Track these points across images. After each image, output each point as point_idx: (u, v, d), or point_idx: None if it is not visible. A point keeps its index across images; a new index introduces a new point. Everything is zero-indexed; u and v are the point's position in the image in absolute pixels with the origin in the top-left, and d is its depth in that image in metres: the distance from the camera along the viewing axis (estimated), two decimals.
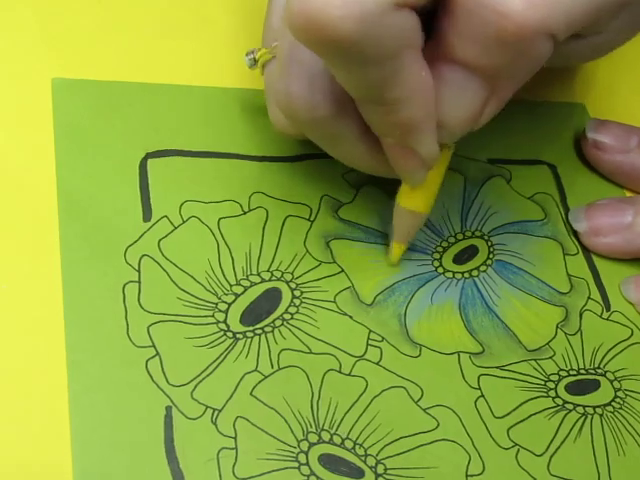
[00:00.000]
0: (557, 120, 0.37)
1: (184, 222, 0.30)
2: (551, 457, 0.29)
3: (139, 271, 0.29)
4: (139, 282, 0.28)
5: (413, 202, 0.30)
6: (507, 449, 0.28)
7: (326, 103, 0.27)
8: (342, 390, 0.28)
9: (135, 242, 0.29)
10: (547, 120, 0.37)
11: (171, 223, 0.30)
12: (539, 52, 0.26)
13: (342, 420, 0.28)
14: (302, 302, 0.30)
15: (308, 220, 0.32)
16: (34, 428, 0.25)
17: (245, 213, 0.31)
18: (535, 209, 0.34)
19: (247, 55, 0.31)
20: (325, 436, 0.27)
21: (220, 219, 0.31)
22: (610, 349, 0.31)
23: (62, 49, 0.33)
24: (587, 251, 0.34)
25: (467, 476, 0.27)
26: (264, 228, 0.31)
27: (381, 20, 0.22)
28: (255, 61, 0.30)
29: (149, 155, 0.31)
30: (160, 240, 0.30)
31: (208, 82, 0.34)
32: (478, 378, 0.30)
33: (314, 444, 0.27)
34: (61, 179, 0.30)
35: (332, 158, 0.31)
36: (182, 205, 0.31)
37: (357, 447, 0.27)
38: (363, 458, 0.27)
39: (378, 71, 0.24)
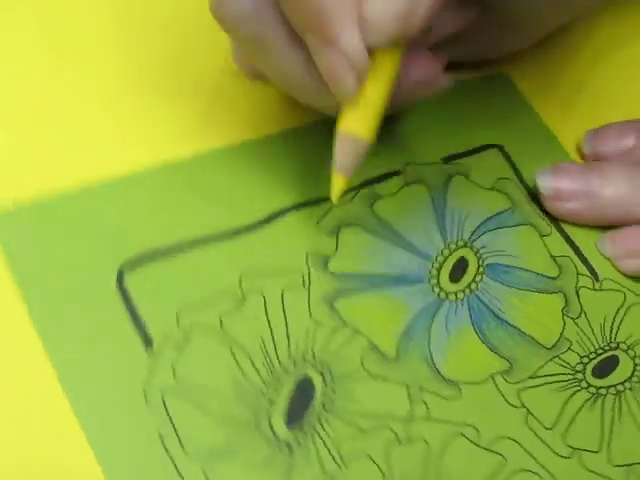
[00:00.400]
0: (486, 97, 0.37)
1: (188, 337, 0.28)
2: (608, 448, 0.29)
3: (169, 415, 0.27)
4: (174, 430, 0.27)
5: (352, 125, 0.27)
6: (568, 457, 0.29)
7: None
8: (409, 461, 0.28)
9: (150, 379, 0.27)
10: (477, 99, 0.36)
11: (175, 344, 0.28)
12: None
13: None
14: (334, 382, 0.28)
15: (304, 287, 0.30)
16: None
17: (243, 303, 0.29)
18: (500, 198, 0.34)
19: None
20: None
21: (221, 318, 0.29)
22: (613, 319, 0.32)
23: (62, 49, 0.33)
24: (560, 229, 0.34)
25: None
26: (267, 314, 0.29)
27: None
28: None
29: (124, 269, 0.29)
30: (174, 368, 0.28)
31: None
32: (518, 395, 0.30)
33: None
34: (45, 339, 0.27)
35: (301, 208, 0.30)
36: (178, 317, 0.28)
37: None
38: None
39: None
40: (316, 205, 0.32)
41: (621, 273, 0.33)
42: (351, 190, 0.33)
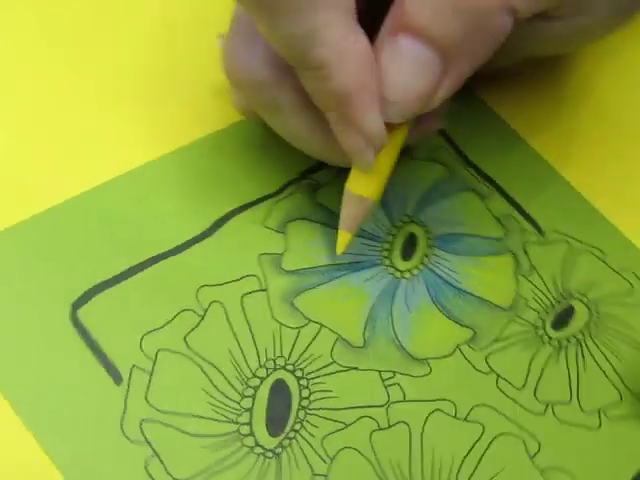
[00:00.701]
0: None
1: (155, 362, 0.28)
2: (578, 397, 0.30)
3: (150, 444, 0.26)
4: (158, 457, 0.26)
5: (363, 187, 0.28)
6: (543, 414, 0.30)
7: (265, 67, 0.27)
8: (393, 445, 0.28)
9: (124, 413, 0.27)
10: None
11: (144, 372, 0.28)
12: (497, 26, 0.25)
13: (411, 473, 0.28)
14: (308, 381, 0.29)
15: (262, 291, 0.30)
16: None
17: (202, 318, 0.29)
18: (437, 167, 0.34)
19: (218, 38, 0.29)
20: None
21: (185, 337, 0.28)
22: (562, 270, 0.33)
23: (62, 49, 0.33)
24: (499, 188, 0.34)
25: (532, 460, 0.29)
26: (230, 324, 0.29)
27: None
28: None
29: (76, 306, 0.28)
30: (146, 397, 0.27)
31: None
32: (486, 361, 0.30)
33: None
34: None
35: (243, 211, 0.31)
36: (142, 344, 0.28)
37: None
38: None
39: (293, 26, 0.23)
40: (257, 205, 0.32)
41: (566, 229, 0.34)
42: (291, 183, 0.32)
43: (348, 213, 0.29)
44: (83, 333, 0.28)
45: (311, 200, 0.32)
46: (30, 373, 0.27)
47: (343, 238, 0.30)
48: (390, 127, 0.27)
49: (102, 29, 0.34)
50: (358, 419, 0.28)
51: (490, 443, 0.29)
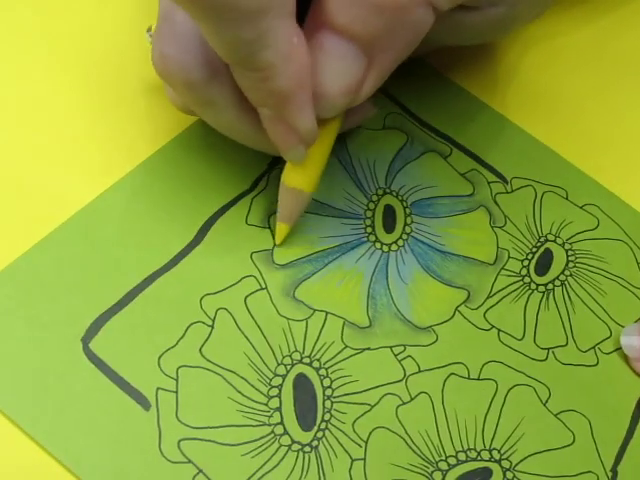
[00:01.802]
0: None
1: (178, 381, 0.28)
2: (573, 338, 0.32)
3: (193, 462, 0.27)
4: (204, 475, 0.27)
5: (297, 180, 0.29)
6: (545, 359, 0.31)
7: (198, 66, 0.26)
8: (418, 416, 0.29)
9: (160, 437, 0.27)
10: None
11: (170, 393, 0.28)
12: (418, 20, 0.25)
13: (440, 440, 0.29)
14: (327, 369, 0.29)
15: (262, 289, 0.30)
16: None
17: (212, 328, 0.29)
18: (396, 134, 0.35)
19: (147, 31, 0.29)
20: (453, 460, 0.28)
21: (201, 350, 0.29)
22: (533, 215, 0.34)
23: (62, 49, 0.33)
24: (458, 145, 0.35)
25: (545, 406, 0.30)
26: (240, 329, 0.29)
27: None
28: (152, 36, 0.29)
29: (86, 339, 0.28)
30: (177, 416, 0.27)
31: None
32: (485, 318, 0.31)
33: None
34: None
35: (225, 213, 0.31)
36: (160, 365, 0.28)
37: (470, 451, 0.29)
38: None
39: (243, 32, 0.23)
40: (235, 205, 0.32)
41: (528, 173, 0.35)
42: (262, 176, 0.32)
43: (284, 205, 0.30)
44: (101, 366, 0.27)
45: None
46: (58, 417, 0.27)
47: (281, 230, 0.30)
48: (321, 121, 0.28)
49: (102, 29, 0.34)
50: (381, 398, 0.29)
51: (505, 397, 0.30)
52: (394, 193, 0.33)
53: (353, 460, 0.28)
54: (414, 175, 0.34)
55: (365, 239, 0.32)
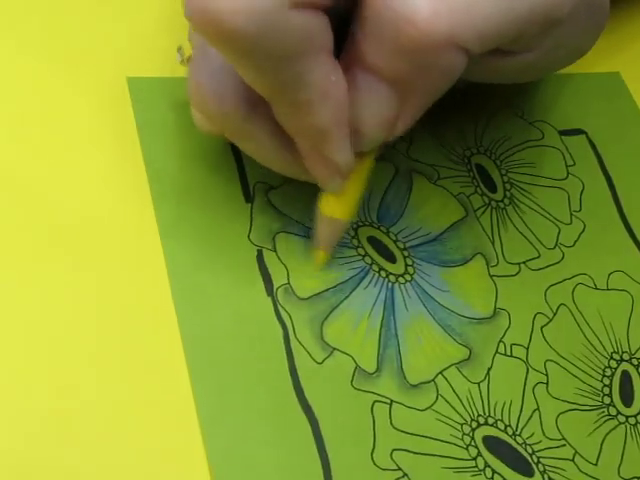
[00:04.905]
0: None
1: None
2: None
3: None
4: None
5: (334, 209, 0.29)
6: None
7: (234, 98, 0.26)
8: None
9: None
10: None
11: None
12: (449, 64, 0.25)
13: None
14: None
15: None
16: None
17: None
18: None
19: (178, 50, 0.30)
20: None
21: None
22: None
23: (62, 49, 0.32)
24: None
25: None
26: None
27: (278, 19, 0.22)
28: (182, 57, 0.30)
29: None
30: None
31: None
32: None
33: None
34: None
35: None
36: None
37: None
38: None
39: (280, 73, 0.24)
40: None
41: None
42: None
43: (322, 233, 0.30)
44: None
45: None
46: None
47: (321, 257, 0.30)
48: (358, 153, 0.28)
49: (102, 29, 0.33)
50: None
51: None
52: (375, 224, 0.32)
53: None
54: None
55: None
